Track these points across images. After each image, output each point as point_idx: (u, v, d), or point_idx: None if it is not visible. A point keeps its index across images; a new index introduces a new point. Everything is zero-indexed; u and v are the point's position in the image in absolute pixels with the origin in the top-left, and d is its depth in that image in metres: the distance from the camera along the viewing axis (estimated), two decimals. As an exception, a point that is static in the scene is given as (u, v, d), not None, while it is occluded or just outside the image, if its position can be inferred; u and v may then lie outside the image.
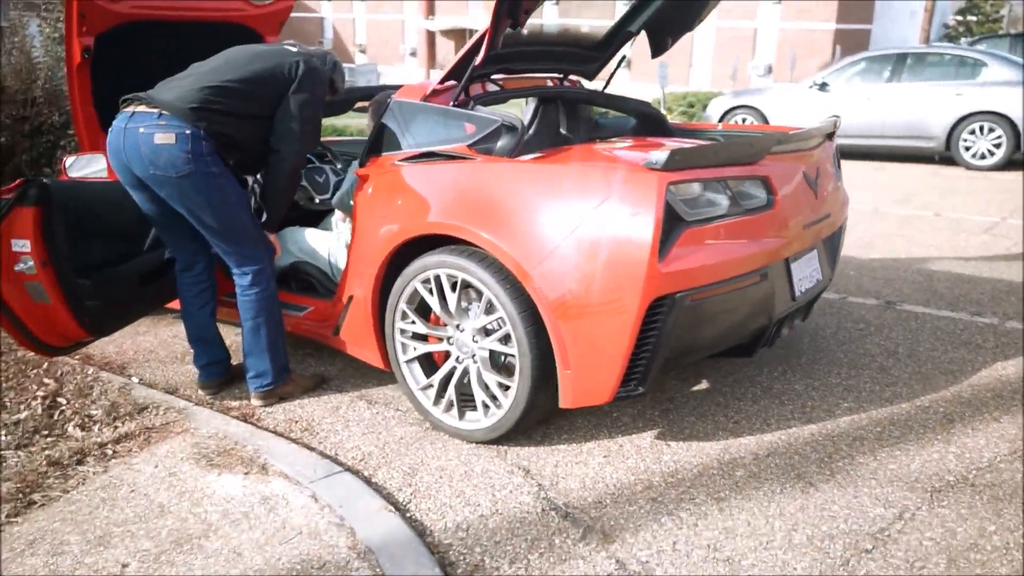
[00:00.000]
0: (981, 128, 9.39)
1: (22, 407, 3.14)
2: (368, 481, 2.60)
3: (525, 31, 3.10)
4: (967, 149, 9.51)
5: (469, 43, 2.96)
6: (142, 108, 2.78)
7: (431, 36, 39.15)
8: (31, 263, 2.76)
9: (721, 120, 11.20)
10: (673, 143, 3.34)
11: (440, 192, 2.77)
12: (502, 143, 2.85)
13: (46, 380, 3.37)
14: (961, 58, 9.98)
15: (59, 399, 3.21)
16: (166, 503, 2.46)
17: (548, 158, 2.73)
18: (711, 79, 30.20)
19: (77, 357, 3.63)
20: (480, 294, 2.70)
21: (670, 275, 2.38)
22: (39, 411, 3.10)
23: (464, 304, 2.79)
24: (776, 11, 29.83)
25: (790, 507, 2.42)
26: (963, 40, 32.18)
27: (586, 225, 2.43)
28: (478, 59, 2.87)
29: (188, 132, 2.72)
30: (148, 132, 2.72)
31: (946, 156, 9.76)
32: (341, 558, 2.16)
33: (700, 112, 13.91)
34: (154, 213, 2.97)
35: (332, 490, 2.50)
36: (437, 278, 2.76)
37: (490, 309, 2.68)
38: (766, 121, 10.86)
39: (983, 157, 9.43)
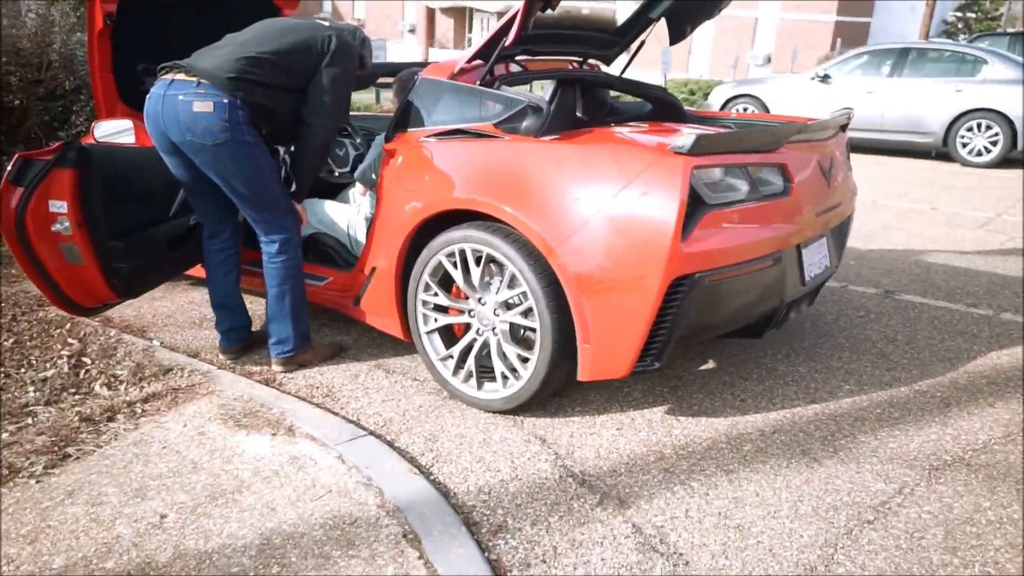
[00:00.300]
0: (979, 125, 9.52)
1: (47, 365, 3.22)
2: (391, 445, 2.71)
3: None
4: (964, 146, 9.65)
5: (499, 24, 3.03)
6: (181, 76, 2.84)
7: (431, 13, 38.91)
8: (67, 224, 2.83)
9: (723, 108, 11.28)
10: (689, 129, 3.42)
11: (469, 169, 2.85)
12: (528, 123, 2.93)
13: (70, 340, 3.45)
14: (962, 55, 10.10)
15: (84, 359, 3.29)
16: (198, 460, 2.55)
17: (573, 139, 2.81)
18: (710, 67, 30.23)
19: (98, 320, 3.71)
20: (503, 268, 2.79)
21: (691, 255, 2.48)
22: (65, 369, 3.18)
23: (487, 278, 2.88)
24: (776, 1, 29.83)
25: (796, 480, 2.54)
26: (961, 36, 32.32)
27: (612, 204, 2.52)
28: (508, 40, 2.94)
29: (226, 101, 2.78)
30: (187, 100, 2.78)
31: (943, 152, 9.90)
32: (371, 515, 2.26)
33: (701, 100, 13.98)
34: (186, 179, 3.04)
35: (358, 452, 2.60)
36: (462, 252, 2.85)
37: (512, 283, 2.77)
38: (767, 111, 10.95)
39: (979, 154, 9.57)
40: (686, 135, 2.53)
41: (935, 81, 9.90)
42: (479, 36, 38.29)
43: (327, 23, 3.13)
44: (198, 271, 3.80)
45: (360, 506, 2.30)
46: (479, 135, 2.94)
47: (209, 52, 2.95)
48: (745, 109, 11.19)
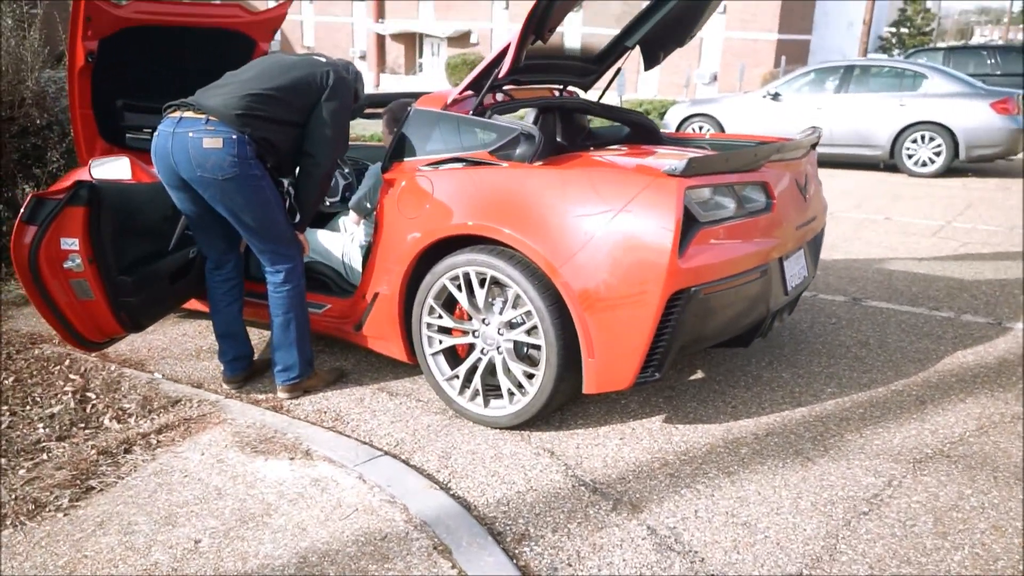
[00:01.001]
0: (923, 137, 9.97)
1: (53, 401, 3.25)
2: (407, 463, 2.81)
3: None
4: (910, 157, 10.09)
5: (490, 56, 3.18)
6: (189, 114, 2.93)
7: (381, 39, 39.08)
8: (78, 260, 2.89)
9: (679, 127, 11.61)
10: (666, 151, 3.61)
11: (470, 195, 2.99)
12: (521, 150, 3.07)
13: (72, 376, 3.48)
14: (903, 70, 10.58)
15: (88, 394, 3.32)
16: (221, 486, 2.62)
17: (567, 164, 2.97)
18: (659, 86, 30.90)
19: (96, 355, 3.73)
20: (505, 290, 2.92)
21: (688, 271, 2.65)
22: (72, 405, 3.21)
23: (490, 299, 3.01)
24: (721, 20, 30.68)
25: (793, 478, 2.71)
26: (895, 51, 33.59)
27: (612, 225, 2.68)
28: (502, 71, 3.09)
29: (234, 137, 2.88)
30: (197, 137, 2.87)
31: (890, 164, 10.33)
32: (400, 530, 2.36)
33: (657, 119, 14.33)
34: (192, 213, 3.11)
35: (377, 472, 2.69)
36: (466, 275, 2.97)
37: (516, 303, 2.90)
38: (722, 129, 11.30)
39: (924, 165, 10.01)
40: (676, 158, 2.70)
41: (879, 96, 10.35)
42: (430, 61, 38.58)
43: (323, 59, 3.25)
44: (190, 304, 3.86)
45: (388, 522, 2.40)
46: (476, 163, 3.08)
47: (214, 90, 3.04)
48: (701, 128, 11.54)
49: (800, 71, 11.33)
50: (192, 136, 2.88)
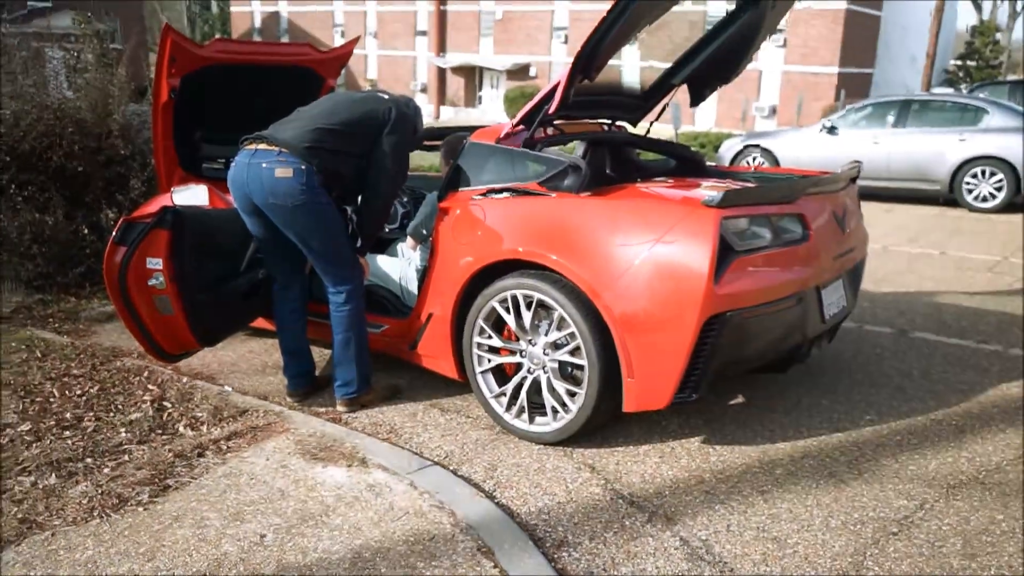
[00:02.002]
0: (983, 172, 9.86)
1: (133, 409, 3.53)
2: (455, 473, 2.99)
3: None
4: (970, 192, 9.97)
5: (541, 93, 3.40)
6: (263, 146, 3.20)
7: (441, 73, 40.01)
8: (162, 279, 3.18)
9: (733, 161, 11.68)
10: (710, 183, 3.76)
11: (520, 223, 3.19)
12: (569, 181, 3.27)
13: (150, 387, 3.76)
14: (963, 105, 10.50)
15: (164, 403, 3.60)
16: (284, 488, 2.84)
17: (612, 194, 3.14)
18: (716, 119, 30.90)
19: (170, 369, 4.02)
20: (551, 312, 3.10)
21: (723, 296, 2.79)
22: (150, 413, 3.48)
23: (536, 321, 3.19)
24: (780, 54, 30.62)
25: (825, 499, 2.80)
26: (963, 86, 32.96)
27: (652, 252, 2.84)
28: (551, 107, 3.30)
29: (303, 167, 3.14)
30: (270, 167, 3.14)
31: (950, 198, 10.22)
32: (447, 532, 2.54)
33: (712, 152, 14.41)
34: (263, 237, 3.38)
35: (427, 480, 2.88)
36: (514, 298, 3.16)
37: (561, 325, 3.08)
38: (777, 162, 11.34)
39: (985, 200, 9.88)
40: (715, 190, 2.86)
41: (938, 130, 10.28)
42: (489, 93, 39.30)
43: (386, 96, 3.51)
44: (257, 323, 4.13)
45: (436, 525, 2.58)
46: (526, 193, 3.28)
47: (286, 124, 3.32)
48: (754, 159, 11.59)
49: (857, 105, 11.32)
50: (265, 167, 3.15)
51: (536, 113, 3.45)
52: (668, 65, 4.03)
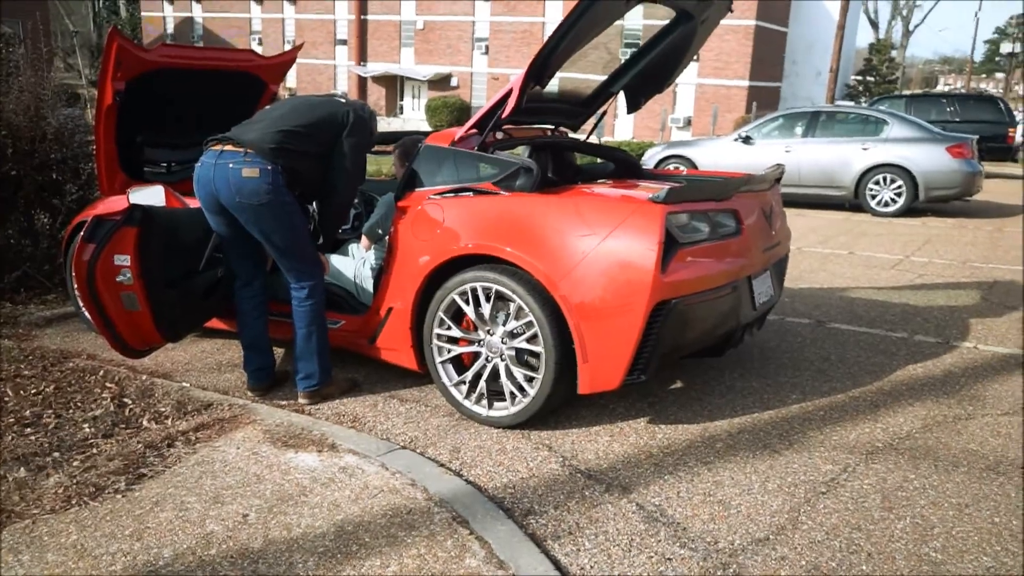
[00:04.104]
0: (885, 179, 10.59)
1: (93, 406, 3.57)
2: (423, 455, 3.16)
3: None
4: (873, 197, 10.69)
5: (493, 99, 3.61)
6: (229, 147, 3.31)
7: (362, 81, 39.84)
8: (129, 275, 3.24)
9: (656, 167, 12.15)
10: (648, 184, 4.05)
11: (479, 220, 3.39)
12: (521, 181, 3.49)
13: (108, 384, 3.80)
14: (866, 116, 11.26)
15: (125, 399, 3.64)
16: (259, 473, 2.96)
17: (564, 193, 3.38)
18: (634, 130, 31.79)
19: (126, 368, 4.06)
20: (508, 303, 3.31)
21: (668, 284, 3.06)
22: (112, 408, 3.53)
23: (494, 312, 3.39)
24: (694, 67, 31.76)
25: (761, 466, 3.10)
26: (862, 99, 34.84)
27: (604, 244, 3.09)
28: (505, 112, 3.52)
29: (269, 168, 3.27)
30: (236, 167, 3.26)
31: (855, 203, 10.92)
32: (422, 506, 2.71)
33: (633, 160, 14.86)
34: (227, 235, 3.49)
35: (397, 461, 3.05)
36: (474, 290, 3.36)
37: (519, 315, 3.29)
38: (696, 169, 11.86)
39: (887, 204, 10.61)
40: (660, 188, 3.13)
41: (844, 140, 10.99)
42: (410, 103, 39.33)
43: (343, 100, 3.66)
44: (210, 323, 4.20)
45: (411, 500, 2.75)
46: (481, 192, 3.49)
47: (250, 126, 3.43)
48: (676, 167, 12.09)
49: (769, 116, 11.98)
50: (232, 167, 3.26)
51: (489, 118, 3.66)
52: (606, 75, 4.31)
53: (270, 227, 3.37)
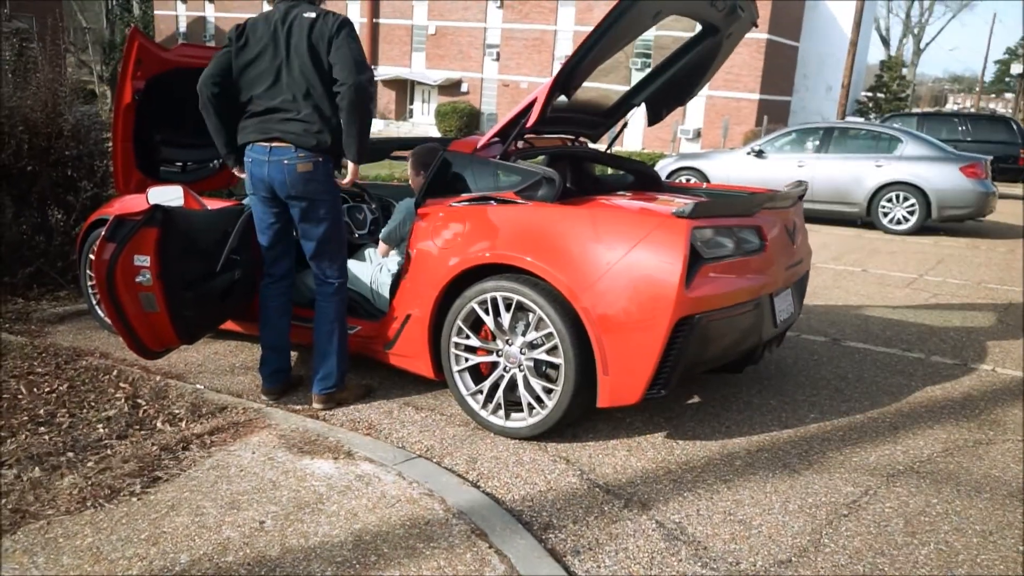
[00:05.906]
0: (897, 196, 10.55)
1: (107, 406, 3.54)
2: (440, 465, 3.13)
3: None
4: (885, 215, 10.65)
5: (516, 108, 3.60)
6: (276, 143, 3.30)
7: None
8: (148, 276, 3.23)
9: (666, 179, 12.14)
10: (668, 197, 4.03)
11: (501, 229, 3.37)
12: (543, 191, 3.47)
13: (122, 385, 3.78)
14: (879, 133, 11.23)
15: (138, 400, 3.62)
16: (275, 479, 2.93)
17: (588, 204, 3.36)
18: (643, 141, 31.79)
19: (140, 368, 4.04)
20: (527, 313, 3.28)
21: (692, 300, 3.03)
22: (126, 409, 3.51)
23: (513, 322, 3.37)
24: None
25: (781, 486, 3.06)
26: (872, 115, 34.81)
27: (628, 257, 3.07)
28: (530, 121, 3.50)
29: (320, 159, 3.35)
30: (291, 163, 3.31)
31: (867, 220, 10.89)
32: (441, 517, 2.68)
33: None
34: (272, 227, 3.51)
35: (414, 470, 3.02)
36: (494, 299, 3.34)
37: (539, 326, 3.26)
38: (708, 182, 11.85)
39: (899, 223, 10.57)
40: (686, 203, 3.11)
41: (857, 157, 10.96)
42: (420, 108, 39.40)
43: (312, 10, 3.31)
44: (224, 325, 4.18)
45: (429, 511, 2.72)
46: (503, 201, 3.47)
47: (287, 117, 3.29)
48: (688, 180, 12.07)
49: (782, 131, 11.96)
50: (287, 163, 3.31)
51: (513, 127, 3.64)
52: (630, 87, 4.30)
53: (317, 217, 3.44)
